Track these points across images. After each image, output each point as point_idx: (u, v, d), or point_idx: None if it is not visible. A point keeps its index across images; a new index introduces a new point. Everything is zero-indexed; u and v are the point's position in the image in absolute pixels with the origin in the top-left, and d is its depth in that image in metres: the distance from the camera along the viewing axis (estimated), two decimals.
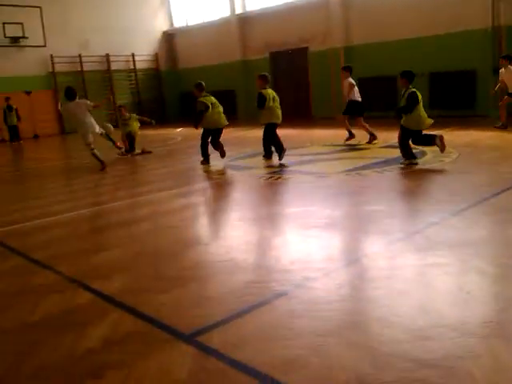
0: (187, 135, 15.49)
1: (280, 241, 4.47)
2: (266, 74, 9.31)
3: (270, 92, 8.88)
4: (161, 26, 22.93)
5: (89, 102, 9.32)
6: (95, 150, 9.16)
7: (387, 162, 7.64)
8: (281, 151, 8.38)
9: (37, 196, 7.47)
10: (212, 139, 8.92)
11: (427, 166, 7.10)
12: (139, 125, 11.81)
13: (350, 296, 3.20)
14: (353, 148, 9.63)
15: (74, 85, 20.05)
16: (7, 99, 16.64)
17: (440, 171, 6.84)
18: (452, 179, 6.32)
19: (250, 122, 18.25)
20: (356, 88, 10.04)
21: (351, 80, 10.05)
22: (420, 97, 7.14)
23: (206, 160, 8.93)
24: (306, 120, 16.62)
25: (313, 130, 12.61)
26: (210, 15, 21.15)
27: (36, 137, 19.23)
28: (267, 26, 18.79)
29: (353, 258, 3.90)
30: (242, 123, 17.45)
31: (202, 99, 8.87)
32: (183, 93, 22.62)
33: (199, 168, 8.76)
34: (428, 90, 13.56)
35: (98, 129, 9.15)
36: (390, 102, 14.89)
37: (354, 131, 10.13)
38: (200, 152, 8.94)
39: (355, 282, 3.42)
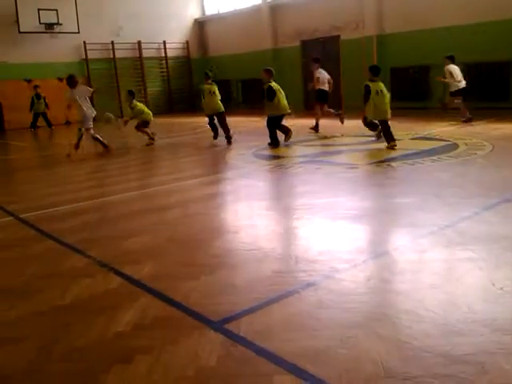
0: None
1: (308, 231, 4.45)
2: (271, 68, 10.24)
3: (276, 85, 9.71)
4: (192, 13, 22.94)
5: (88, 88, 10.49)
6: (96, 134, 9.95)
7: (419, 154, 7.51)
8: (287, 133, 9.70)
9: (68, 181, 7.61)
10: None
11: (460, 159, 6.96)
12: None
13: (379, 288, 3.17)
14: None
15: (105, 72, 20.54)
16: (36, 87, 16.89)
17: (473, 164, 6.69)
18: (485, 172, 6.18)
19: None
20: (322, 79, 11.20)
21: (319, 72, 11.26)
22: (376, 89, 8.25)
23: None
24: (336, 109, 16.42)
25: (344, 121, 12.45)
26: (242, 3, 21.06)
27: (68, 123, 19.54)
28: (298, 13, 18.59)
29: (382, 250, 3.86)
30: None
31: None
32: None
33: (226, 156, 8.78)
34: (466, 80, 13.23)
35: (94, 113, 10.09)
36: (423, 92, 14.62)
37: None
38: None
39: (384, 275, 3.38)
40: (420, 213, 4.61)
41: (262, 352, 2.42)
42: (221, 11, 22.26)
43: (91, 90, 10.23)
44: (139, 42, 21.16)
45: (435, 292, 2.99)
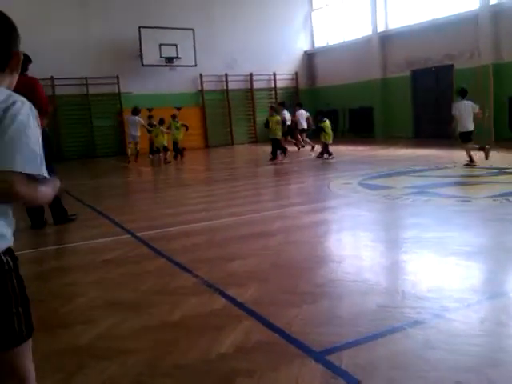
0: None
1: (416, 266, 4.26)
2: (274, 105, 15.97)
3: (275, 118, 13.73)
4: (302, 45, 23.47)
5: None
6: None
7: None
8: (284, 151, 14.08)
9: (182, 203, 8.01)
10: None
11: None
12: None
13: (494, 332, 2.93)
14: (502, 172, 8.89)
15: (218, 102, 21.52)
16: (150, 118, 17.21)
17: None
18: None
19: (388, 140, 17.82)
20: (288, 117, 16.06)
21: (299, 112, 16.49)
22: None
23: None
24: (448, 140, 15.73)
25: (455, 151, 11.89)
26: (351, 34, 21.14)
27: (183, 149, 20.54)
28: (409, 43, 18.27)
29: (498, 291, 3.58)
30: (379, 141, 17.06)
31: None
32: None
33: (330, 185, 8.74)
34: None
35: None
36: None
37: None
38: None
39: (500, 317, 3.12)
40: None
41: None
42: (330, 43, 22.51)
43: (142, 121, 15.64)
44: (251, 74, 22.00)
45: None
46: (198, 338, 3.00)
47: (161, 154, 15.40)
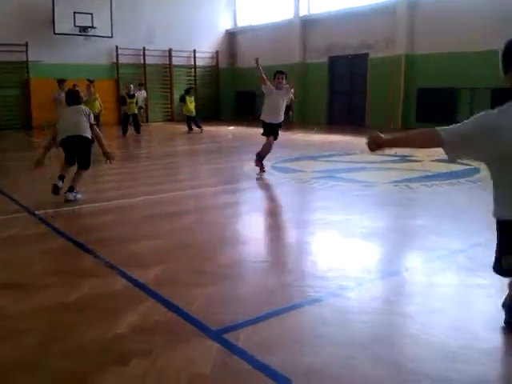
0: (238, 134, 15.65)
1: (318, 247, 4.43)
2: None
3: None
4: (224, 24, 23.21)
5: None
6: None
7: (438, 177, 7.42)
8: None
9: (91, 181, 7.71)
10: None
11: (479, 184, 6.85)
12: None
13: (384, 310, 3.13)
14: (405, 159, 9.42)
15: (135, 77, 20.82)
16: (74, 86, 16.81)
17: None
18: None
19: (304, 125, 18.21)
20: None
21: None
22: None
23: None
24: (359, 127, 16.38)
25: (363, 139, 12.43)
26: (274, 16, 21.22)
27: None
28: (329, 29, 18.65)
29: (391, 271, 3.81)
30: (296, 126, 17.41)
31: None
32: (239, 91, 22.82)
33: (243, 167, 8.82)
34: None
35: None
36: (448, 113, 14.47)
37: None
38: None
39: (390, 296, 3.34)
40: (433, 236, 4.55)
41: (257, 364, 2.41)
42: (253, 23, 22.47)
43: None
44: (170, 50, 21.47)
45: (440, 317, 2.95)
46: (95, 319, 2.94)
47: None
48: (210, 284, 3.45)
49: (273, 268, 3.79)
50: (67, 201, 6.00)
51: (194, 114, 16.39)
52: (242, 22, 23.12)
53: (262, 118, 7.97)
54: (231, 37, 23.38)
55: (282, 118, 7.96)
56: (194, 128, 16.23)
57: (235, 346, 2.59)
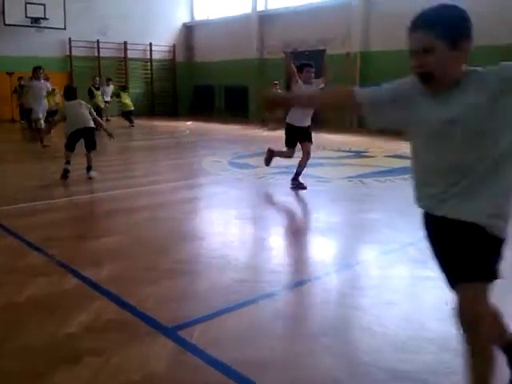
0: (195, 129, 15.54)
1: (273, 242, 4.47)
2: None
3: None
4: (181, 17, 22.96)
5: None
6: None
7: (391, 172, 7.60)
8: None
9: (42, 177, 7.50)
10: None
11: None
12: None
13: (338, 302, 3.19)
14: (359, 155, 9.60)
15: (89, 70, 20.34)
16: (20, 78, 16.58)
17: None
18: None
19: (261, 121, 18.25)
20: None
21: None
22: None
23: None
24: (315, 123, 16.52)
25: (321, 134, 12.58)
26: (232, 10, 21.15)
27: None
28: (286, 25, 18.74)
29: (344, 264, 3.89)
30: (253, 121, 17.45)
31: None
32: (197, 86, 22.66)
33: (201, 162, 8.80)
34: None
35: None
36: None
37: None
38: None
39: (344, 289, 3.41)
40: (385, 229, 4.67)
41: (210, 360, 2.41)
42: (210, 17, 22.33)
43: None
44: (125, 43, 21.09)
45: (392, 308, 3.03)
46: (45, 318, 2.87)
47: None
48: (165, 280, 3.42)
49: (228, 264, 3.79)
50: (90, 178, 7.04)
51: (132, 108, 17.07)
52: (200, 16, 22.95)
53: (290, 120, 6.46)
54: (188, 30, 23.17)
55: (310, 121, 6.53)
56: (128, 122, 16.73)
57: (189, 343, 2.58)
